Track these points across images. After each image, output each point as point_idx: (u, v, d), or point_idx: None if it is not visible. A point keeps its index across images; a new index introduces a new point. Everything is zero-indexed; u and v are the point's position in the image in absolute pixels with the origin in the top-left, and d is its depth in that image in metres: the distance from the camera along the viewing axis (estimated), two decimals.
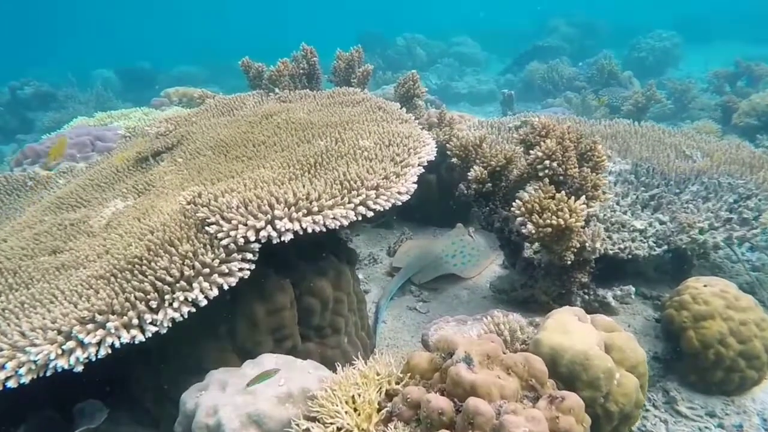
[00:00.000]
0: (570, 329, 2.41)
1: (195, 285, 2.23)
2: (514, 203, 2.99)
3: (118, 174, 3.82)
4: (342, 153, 3.11)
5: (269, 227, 2.39)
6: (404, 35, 18.08)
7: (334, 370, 2.41)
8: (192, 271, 2.26)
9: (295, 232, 2.45)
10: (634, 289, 3.39)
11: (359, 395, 1.96)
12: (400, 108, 4.11)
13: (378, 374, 2.10)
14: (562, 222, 2.71)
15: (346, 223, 2.55)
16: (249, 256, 2.38)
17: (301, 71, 4.85)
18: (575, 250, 2.96)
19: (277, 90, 4.72)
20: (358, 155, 3.08)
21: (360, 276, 4.35)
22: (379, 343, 3.48)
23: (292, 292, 2.74)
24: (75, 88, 12.65)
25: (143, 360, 2.57)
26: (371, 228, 5.24)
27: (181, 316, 2.19)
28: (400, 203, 2.79)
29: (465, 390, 1.81)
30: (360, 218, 2.63)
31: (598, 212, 3.57)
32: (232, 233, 2.35)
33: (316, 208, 2.50)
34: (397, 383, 2.07)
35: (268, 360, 2.30)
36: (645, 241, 3.62)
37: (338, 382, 2.03)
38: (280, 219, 2.41)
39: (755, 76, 9.97)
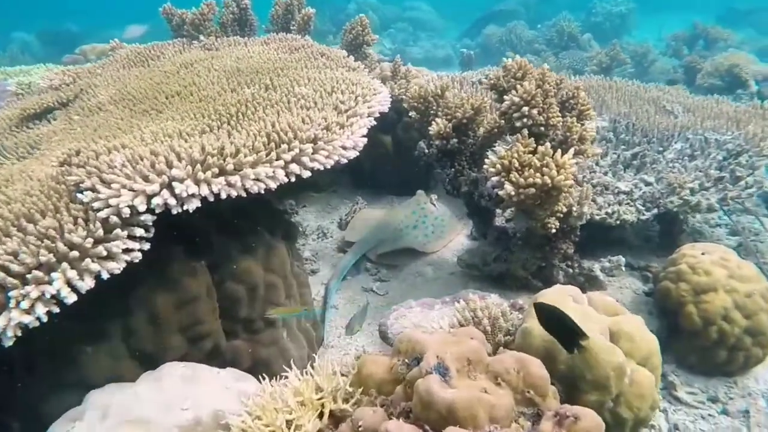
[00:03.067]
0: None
1: (57, 275, 1.57)
2: (486, 160, 2.44)
3: None
4: (273, 101, 2.48)
5: (166, 192, 1.75)
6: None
7: (271, 375, 1.83)
8: (53, 255, 1.60)
9: (205, 199, 1.82)
10: (624, 259, 2.93)
11: (291, 425, 1.38)
12: (347, 56, 3.49)
13: (320, 390, 1.52)
14: (548, 180, 2.17)
15: (273, 185, 1.94)
16: (139, 232, 1.74)
17: (232, 16, 4.12)
18: (561, 216, 2.44)
19: (202, 37, 3.98)
20: (292, 104, 2.45)
21: (307, 253, 3.74)
22: (329, 335, 2.90)
23: (208, 277, 2.12)
24: None
25: (4, 370, 1.90)
26: (320, 197, 4.62)
27: (38, 319, 1.54)
28: (345, 161, 2.19)
29: (440, 414, 1.26)
30: (293, 179, 2.02)
31: (576, 173, 3.08)
32: (114, 201, 1.70)
33: (231, 167, 1.87)
34: (346, 400, 1.50)
35: (169, 375, 1.69)
36: (632, 204, 3.16)
37: (262, 407, 1.44)
38: (181, 181, 1.77)
39: (711, 39, 9.75)
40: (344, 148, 2.19)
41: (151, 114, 2.70)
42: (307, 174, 2.05)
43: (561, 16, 11.57)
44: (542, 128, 2.49)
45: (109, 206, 1.70)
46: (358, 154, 2.29)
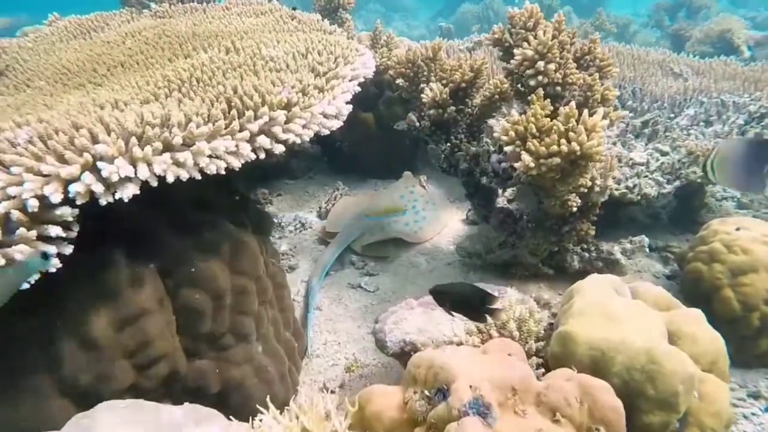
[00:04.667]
0: (615, 312, 1.51)
1: None
2: (495, 128, 2.03)
3: None
4: (235, 65, 2.03)
5: (89, 176, 1.29)
6: None
7: (244, 399, 1.43)
8: None
9: (146, 184, 1.37)
10: (647, 240, 2.57)
11: None
12: (322, 20, 3.04)
13: None
14: (576, 147, 1.78)
15: (236, 163, 1.50)
16: (56, 231, 1.29)
17: None
18: (585, 191, 2.06)
19: (153, 5, 3.48)
20: (259, 67, 2.00)
21: (284, 247, 3.30)
22: (313, 341, 2.48)
23: (160, 284, 1.68)
24: None
25: None
26: (296, 184, 4.17)
27: None
28: (326, 131, 1.77)
29: None
30: (262, 156, 1.59)
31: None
32: (13, 190, 1.24)
33: (180, 140, 1.42)
34: None
35: (104, 420, 1.25)
36: (649, 177, 2.80)
37: None
38: (110, 160, 1.32)
39: (694, 8, 9.49)
40: (325, 115, 1.76)
41: (87, 88, 2.22)
42: (280, 149, 1.62)
43: None
44: (558, 88, 2.09)
45: (8, 197, 1.24)
46: (341, 124, 1.86)
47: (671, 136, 3.05)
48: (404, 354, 1.93)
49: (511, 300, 1.70)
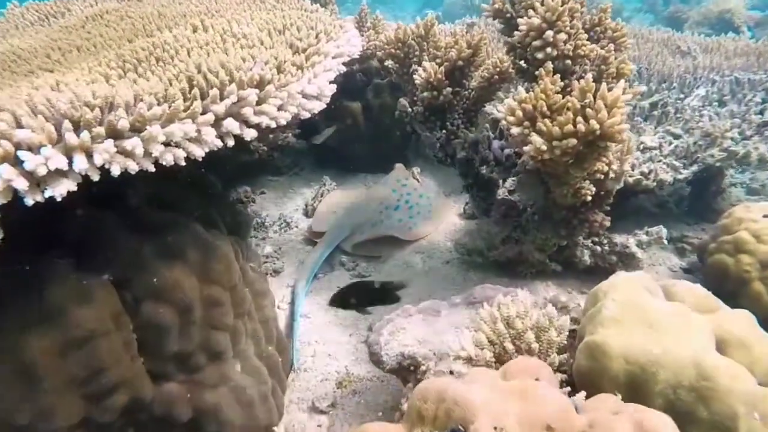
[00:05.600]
0: (654, 317, 1.28)
1: None
2: (499, 107, 1.79)
3: None
4: (202, 43, 1.77)
5: (8, 169, 1.04)
6: None
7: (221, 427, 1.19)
8: None
9: (87, 179, 1.12)
10: (665, 230, 2.34)
11: None
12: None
13: None
14: (595, 126, 1.54)
15: (198, 152, 1.25)
16: None
17: None
18: (601, 177, 1.83)
19: None
20: (230, 44, 1.74)
21: (267, 249, 3.04)
22: (300, 353, 2.23)
23: (116, 298, 1.43)
24: None
25: None
26: (280, 181, 3.91)
27: None
28: (307, 114, 1.52)
29: None
30: (231, 143, 1.34)
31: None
32: None
33: (125, 124, 1.16)
34: None
35: None
36: (663, 161, 2.58)
37: None
38: (36, 148, 1.06)
39: None
40: (305, 95, 1.51)
41: (36, 74, 1.95)
42: (251, 134, 1.37)
43: None
44: (568, 62, 1.86)
45: None
46: (324, 106, 1.61)
47: (683, 117, 2.83)
48: (402, 369, 1.69)
49: (526, 304, 1.46)
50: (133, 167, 1.15)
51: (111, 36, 2.18)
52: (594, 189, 1.93)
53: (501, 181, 2.59)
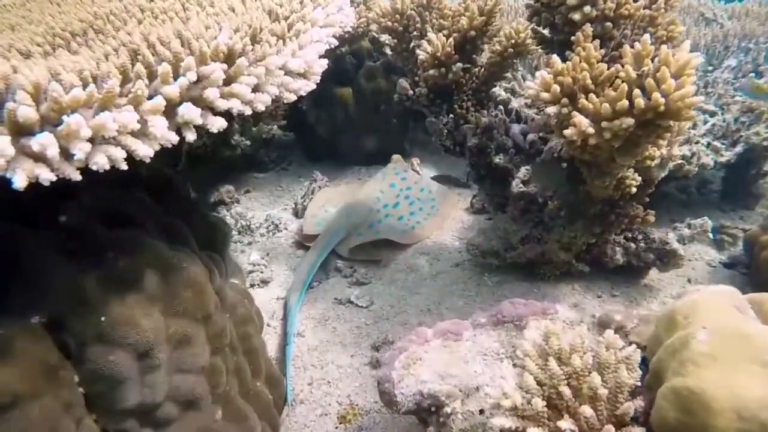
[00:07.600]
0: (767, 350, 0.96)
1: None
2: (530, 83, 1.46)
3: None
4: (157, 12, 1.41)
5: None
6: None
7: None
8: None
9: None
10: (710, 222, 2.04)
11: None
12: None
13: None
14: (659, 101, 1.22)
15: (145, 151, 0.91)
16: None
17: None
18: (652, 165, 1.51)
19: None
20: (192, 12, 1.39)
21: (254, 256, 2.71)
22: (295, 381, 1.90)
23: (51, 346, 1.09)
24: None
25: None
26: (267, 178, 3.57)
27: None
28: (292, 96, 1.18)
29: None
30: (191, 137, 1.00)
31: None
32: None
33: (32, 116, 0.82)
34: None
35: None
36: (702, 142, 2.27)
37: None
38: None
39: None
40: (288, 72, 1.17)
41: None
42: (218, 124, 1.03)
43: None
44: (609, 24, 1.52)
45: None
46: (314, 86, 1.27)
47: (715, 92, 2.52)
48: (422, 410, 1.37)
49: (582, 332, 1.14)
50: (45, 176, 0.81)
51: (51, 12, 1.82)
52: (639, 179, 1.61)
53: (515, 172, 2.27)
